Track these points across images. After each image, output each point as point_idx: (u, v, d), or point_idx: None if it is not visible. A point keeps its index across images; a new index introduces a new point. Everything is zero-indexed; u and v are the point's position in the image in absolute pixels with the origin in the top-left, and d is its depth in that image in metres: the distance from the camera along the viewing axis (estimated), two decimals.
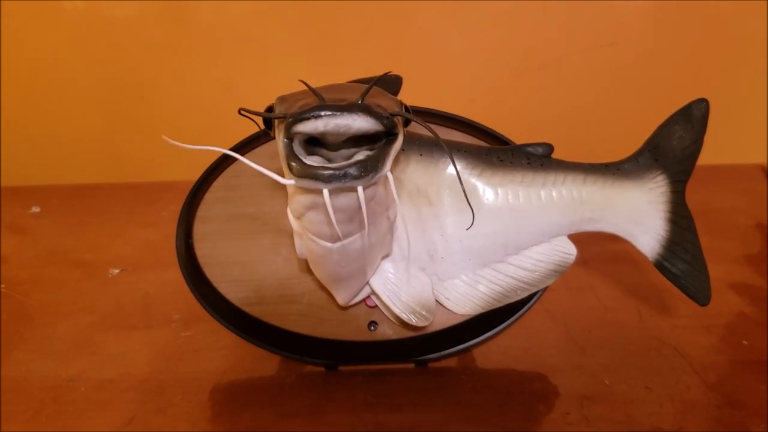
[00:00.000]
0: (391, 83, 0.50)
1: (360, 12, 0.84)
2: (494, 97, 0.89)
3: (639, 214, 0.50)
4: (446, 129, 0.53)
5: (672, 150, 0.50)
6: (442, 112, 0.52)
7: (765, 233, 0.73)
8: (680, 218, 0.50)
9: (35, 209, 0.78)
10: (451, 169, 0.47)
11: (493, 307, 0.49)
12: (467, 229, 0.46)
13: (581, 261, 0.67)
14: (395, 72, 0.86)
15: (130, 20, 0.84)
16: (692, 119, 0.50)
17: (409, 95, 0.86)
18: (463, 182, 0.47)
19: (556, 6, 0.83)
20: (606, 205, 0.49)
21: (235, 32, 0.85)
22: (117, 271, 0.67)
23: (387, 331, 0.51)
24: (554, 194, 0.48)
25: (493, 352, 0.56)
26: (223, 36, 0.86)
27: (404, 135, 0.36)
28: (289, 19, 0.84)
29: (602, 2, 0.83)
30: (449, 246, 0.47)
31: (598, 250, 0.68)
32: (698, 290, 0.50)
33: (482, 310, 0.49)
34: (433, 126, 0.51)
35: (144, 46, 0.86)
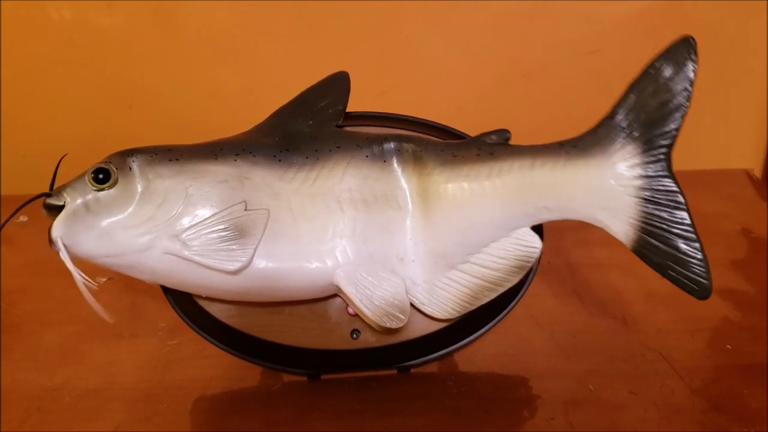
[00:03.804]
0: (338, 81, 0.50)
1: (346, 21, 0.84)
2: (482, 104, 0.90)
3: (602, 195, 0.44)
4: (423, 137, 0.52)
5: (645, 110, 0.44)
6: (417, 118, 0.52)
7: (750, 238, 0.74)
8: (660, 194, 0.44)
9: (23, 218, 0.78)
10: (411, 170, 0.47)
11: (468, 310, 0.47)
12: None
13: (566, 266, 0.67)
14: (387, 79, 0.87)
15: (117, 30, 0.84)
16: (677, 61, 0.43)
17: (396, 103, 0.87)
18: (422, 182, 0.46)
19: (541, 14, 0.83)
20: (559, 191, 0.45)
21: (222, 41, 0.85)
22: (103, 280, 0.66)
23: (370, 339, 0.51)
24: (498, 184, 0.45)
25: (477, 358, 0.56)
26: (211, 44, 0.86)
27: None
28: (275, 28, 0.85)
29: (587, 10, 0.83)
30: (417, 249, 0.46)
31: (582, 255, 0.68)
32: (691, 280, 0.44)
33: (458, 314, 0.47)
34: (410, 134, 0.51)
35: (131, 55, 0.86)
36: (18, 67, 0.87)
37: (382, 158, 0.47)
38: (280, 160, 0.45)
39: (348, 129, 0.49)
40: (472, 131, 0.52)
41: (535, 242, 0.46)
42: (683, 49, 0.43)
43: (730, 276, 0.66)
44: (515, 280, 0.46)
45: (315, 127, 0.48)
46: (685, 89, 0.43)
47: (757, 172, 0.90)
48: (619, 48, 0.85)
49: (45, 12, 0.83)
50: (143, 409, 0.52)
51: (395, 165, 0.47)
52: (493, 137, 0.47)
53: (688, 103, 0.43)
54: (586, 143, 0.46)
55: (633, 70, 0.86)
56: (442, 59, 0.87)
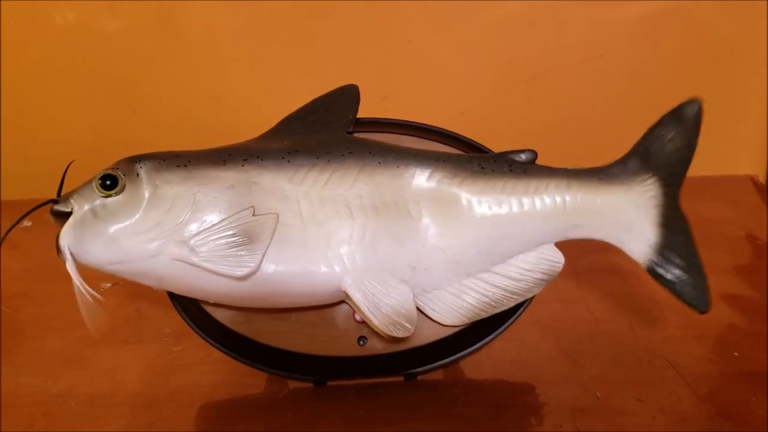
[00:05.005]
0: (348, 93, 0.50)
1: (350, 24, 0.84)
2: (484, 108, 0.90)
3: (627, 219, 0.48)
4: (429, 142, 0.52)
5: (662, 153, 0.49)
6: (423, 124, 0.52)
7: (754, 244, 0.74)
8: (673, 222, 0.49)
9: (26, 223, 0.78)
10: (427, 179, 0.47)
11: (480, 318, 0.48)
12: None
13: (572, 273, 0.67)
14: (390, 83, 0.87)
15: (121, 34, 0.84)
16: (683, 121, 0.49)
17: (398, 107, 0.87)
18: (444, 191, 0.47)
19: (545, 18, 0.83)
20: (591, 211, 0.48)
21: (226, 44, 0.85)
22: (108, 285, 0.66)
23: (377, 346, 0.51)
24: (537, 201, 0.48)
25: (484, 365, 0.56)
26: (214, 48, 0.86)
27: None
28: (279, 33, 0.85)
29: (591, 15, 0.83)
30: (432, 257, 0.47)
31: (589, 261, 0.68)
32: (695, 297, 0.48)
33: (469, 321, 0.48)
34: (415, 139, 0.52)
35: (135, 58, 0.86)
36: (21, 71, 0.87)
37: (396, 165, 0.47)
38: (289, 162, 0.45)
39: (359, 136, 0.49)
40: (475, 136, 0.52)
41: (559, 258, 0.48)
42: (692, 109, 0.49)
43: (736, 282, 0.66)
44: (536, 291, 0.48)
45: (325, 133, 0.48)
46: (692, 144, 0.49)
47: (762, 178, 0.90)
48: (623, 52, 0.85)
49: (48, 15, 0.83)
50: (148, 415, 0.52)
51: (412, 172, 0.47)
52: (523, 156, 0.49)
53: (693, 153, 0.49)
54: (615, 172, 0.49)
55: (636, 74, 0.86)
56: (445, 63, 0.87)
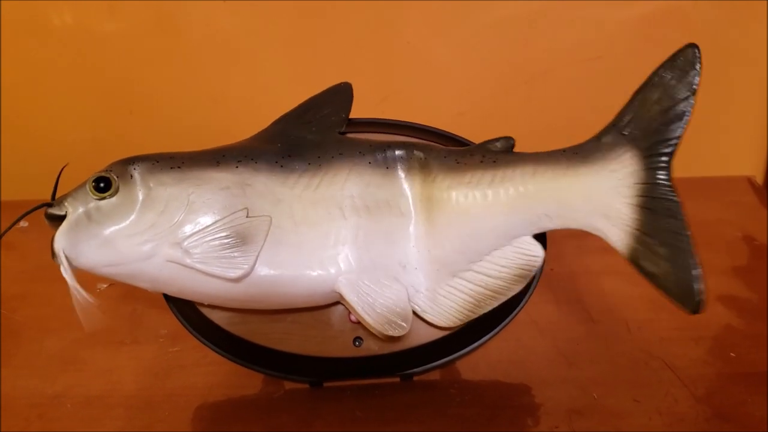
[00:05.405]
0: (342, 91, 0.50)
1: (348, 26, 0.84)
2: (483, 109, 0.90)
3: (602, 203, 0.44)
4: (425, 143, 0.52)
5: (648, 118, 0.44)
6: (419, 125, 0.51)
7: (752, 245, 0.74)
8: (657, 202, 0.43)
9: (23, 225, 0.78)
10: (412, 177, 0.46)
11: (470, 319, 0.47)
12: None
13: (569, 273, 0.67)
14: (388, 84, 0.87)
15: (118, 35, 0.84)
16: (681, 69, 0.43)
17: (397, 108, 0.87)
18: (426, 188, 0.46)
19: (543, 20, 0.84)
20: (558, 197, 0.45)
21: (224, 46, 0.85)
22: (104, 286, 0.66)
23: (373, 346, 0.50)
24: (501, 192, 0.45)
25: (481, 366, 0.55)
26: (212, 50, 0.86)
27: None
28: (278, 35, 0.85)
29: (590, 15, 0.83)
30: (421, 256, 0.46)
31: (586, 261, 0.68)
32: (683, 293, 0.42)
33: (461, 323, 0.47)
34: (410, 139, 0.51)
35: (133, 60, 0.86)
36: (19, 72, 0.87)
37: (385, 165, 0.46)
38: (282, 166, 0.45)
39: (351, 136, 0.49)
40: (474, 137, 0.51)
41: (537, 251, 0.46)
42: (687, 57, 0.43)
43: (733, 283, 0.66)
44: (518, 288, 0.46)
45: (318, 134, 0.48)
46: (688, 98, 0.43)
47: (759, 179, 0.90)
48: (622, 53, 0.85)
49: (47, 17, 0.83)
50: (144, 416, 0.51)
51: (399, 172, 0.47)
52: (498, 144, 0.47)
53: (690, 111, 0.43)
54: (587, 150, 0.45)
55: (635, 75, 0.85)
56: (444, 65, 0.87)
